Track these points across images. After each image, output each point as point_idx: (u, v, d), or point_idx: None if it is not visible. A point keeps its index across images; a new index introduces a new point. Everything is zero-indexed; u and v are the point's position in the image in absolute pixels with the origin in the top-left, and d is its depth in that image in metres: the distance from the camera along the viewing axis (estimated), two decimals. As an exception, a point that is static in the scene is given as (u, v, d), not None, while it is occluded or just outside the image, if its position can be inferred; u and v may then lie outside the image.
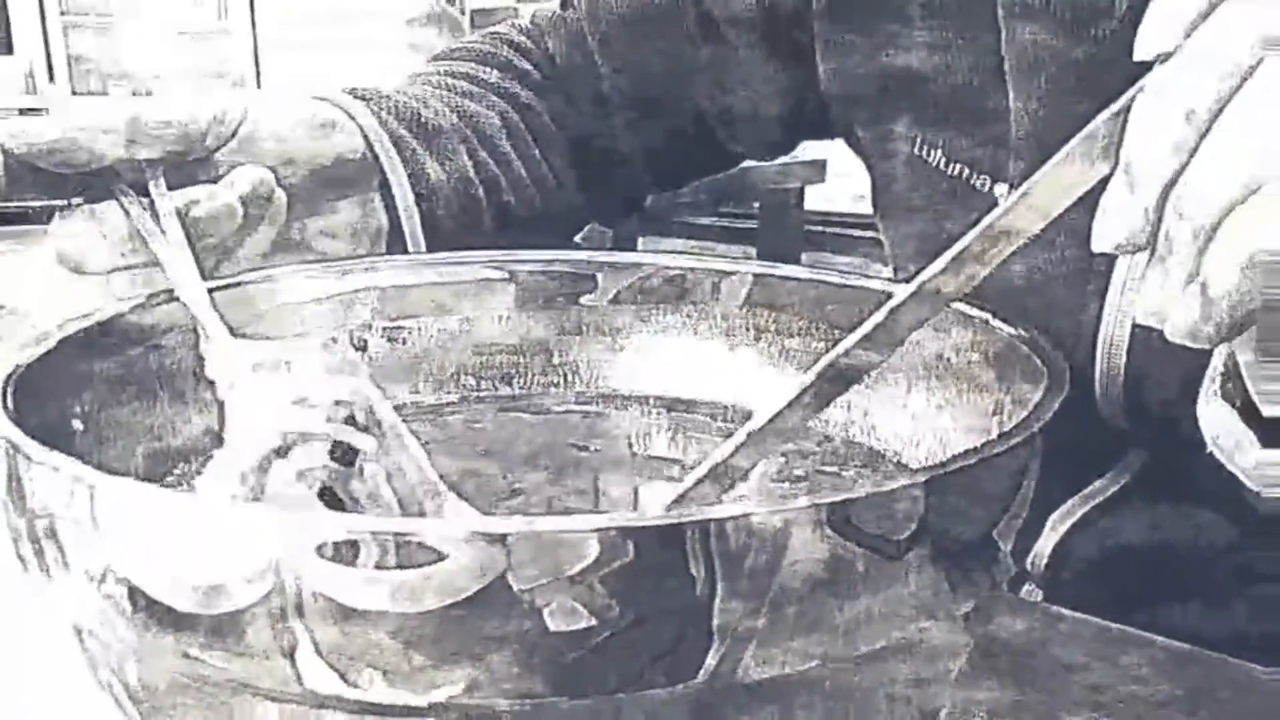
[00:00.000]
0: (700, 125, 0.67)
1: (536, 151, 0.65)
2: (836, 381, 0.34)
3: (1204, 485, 0.46)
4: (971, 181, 0.54)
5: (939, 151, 0.56)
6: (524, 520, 0.25)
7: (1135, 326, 0.49)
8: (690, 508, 0.33)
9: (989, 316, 0.39)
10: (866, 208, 0.64)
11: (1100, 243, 0.31)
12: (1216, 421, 0.31)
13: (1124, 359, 0.49)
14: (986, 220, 0.32)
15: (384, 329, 0.48)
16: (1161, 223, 0.30)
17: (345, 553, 0.26)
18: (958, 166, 0.55)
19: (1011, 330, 0.38)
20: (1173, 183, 0.30)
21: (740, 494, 0.35)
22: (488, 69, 0.66)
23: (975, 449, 0.29)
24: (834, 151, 0.76)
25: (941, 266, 0.33)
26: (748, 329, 0.47)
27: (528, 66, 0.67)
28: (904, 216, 0.59)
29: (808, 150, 2.16)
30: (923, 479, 0.27)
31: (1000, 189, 0.53)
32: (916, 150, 0.57)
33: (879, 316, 0.34)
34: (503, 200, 0.62)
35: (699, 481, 0.35)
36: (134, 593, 0.29)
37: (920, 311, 0.33)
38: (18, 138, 0.46)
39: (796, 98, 0.64)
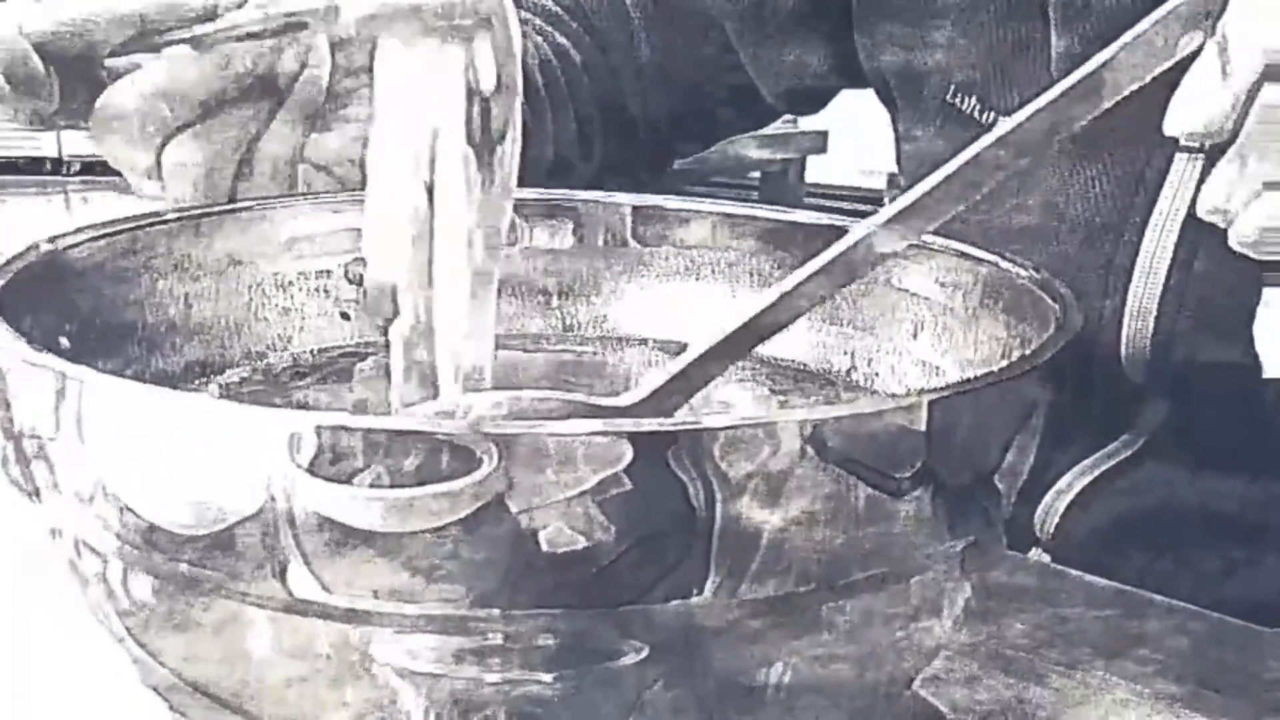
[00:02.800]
0: (737, 79, 0.65)
1: (569, 105, 0.63)
2: (842, 269, 0.33)
3: (1222, 447, 0.45)
4: None
5: (973, 98, 0.54)
6: (522, 422, 0.25)
7: (1160, 310, 0.49)
8: (687, 417, 0.32)
9: (998, 259, 0.39)
10: (871, 182, 0.63)
11: (1176, 125, 0.29)
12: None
13: (1151, 331, 0.49)
14: (1047, 96, 0.30)
15: (380, 263, 0.47)
16: (1248, 116, 0.28)
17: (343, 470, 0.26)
18: (992, 115, 0.54)
19: (1023, 271, 0.38)
20: (1269, 75, 0.27)
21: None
22: (525, 12, 0.64)
23: (975, 378, 0.29)
24: (836, 123, 0.75)
25: (1010, 128, 0.30)
26: (752, 274, 0.46)
27: (561, 13, 0.66)
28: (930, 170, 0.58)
29: (809, 119, 2.16)
30: (924, 400, 0.27)
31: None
32: (950, 97, 0.56)
33: (923, 188, 0.32)
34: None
35: (655, 391, 0.33)
36: (124, 510, 0.28)
37: (970, 182, 0.31)
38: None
39: (837, 51, 0.63)
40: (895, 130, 0.62)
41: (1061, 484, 0.53)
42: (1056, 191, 0.52)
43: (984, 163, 0.31)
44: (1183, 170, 0.49)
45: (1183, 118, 0.29)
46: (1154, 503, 0.52)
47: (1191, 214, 0.50)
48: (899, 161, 0.62)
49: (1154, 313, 0.50)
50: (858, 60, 0.62)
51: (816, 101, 0.70)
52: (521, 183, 0.49)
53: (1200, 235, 0.50)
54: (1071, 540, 0.53)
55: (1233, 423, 0.47)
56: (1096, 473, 0.53)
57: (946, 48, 0.56)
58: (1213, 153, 0.48)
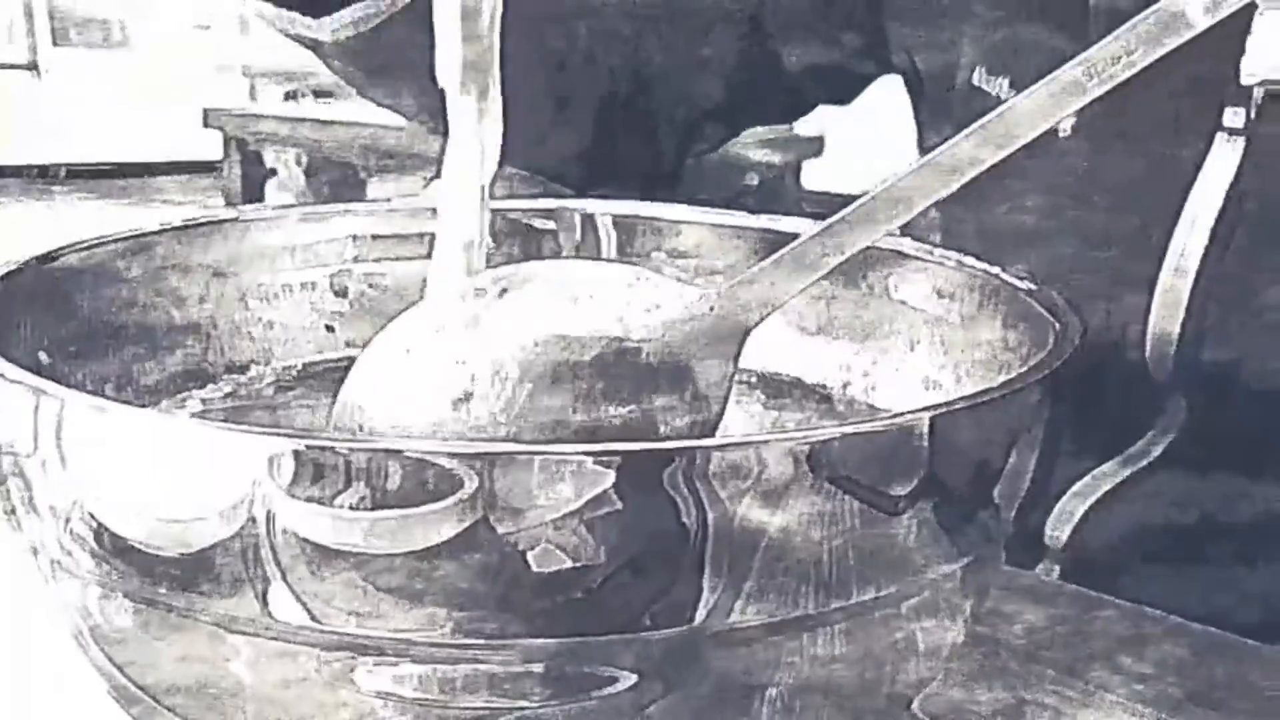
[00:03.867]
0: (768, 58, 0.63)
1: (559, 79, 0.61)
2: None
3: (1248, 449, 0.44)
4: None
5: (1003, 81, 0.53)
6: (506, 444, 0.24)
7: (1191, 301, 0.48)
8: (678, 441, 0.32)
9: (996, 270, 0.38)
10: (867, 187, 0.62)
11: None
12: None
13: (1179, 326, 0.48)
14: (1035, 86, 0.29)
15: (365, 274, 0.47)
16: None
17: (325, 491, 0.25)
18: None
19: (1021, 283, 0.37)
20: None
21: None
22: None
23: (973, 394, 0.28)
24: (833, 128, 0.73)
25: (992, 118, 0.30)
26: (744, 283, 0.46)
27: None
28: None
29: (804, 124, 2.16)
30: (922, 418, 0.26)
31: (1066, 122, 0.51)
32: (977, 80, 0.54)
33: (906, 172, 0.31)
34: None
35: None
36: (101, 531, 0.28)
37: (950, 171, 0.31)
38: None
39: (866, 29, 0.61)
40: (919, 130, 0.60)
41: (1074, 491, 0.52)
42: (1080, 184, 0.50)
43: (964, 153, 0.31)
44: (1223, 155, 0.48)
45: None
46: (1172, 510, 0.51)
47: (1228, 203, 0.48)
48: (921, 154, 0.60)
49: (1183, 304, 0.49)
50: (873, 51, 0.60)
51: (845, 88, 0.66)
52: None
53: (1236, 220, 0.48)
54: (1086, 550, 0.52)
55: (1262, 423, 0.46)
56: (1112, 481, 0.52)
57: (973, 39, 0.54)
58: (1252, 132, 0.47)
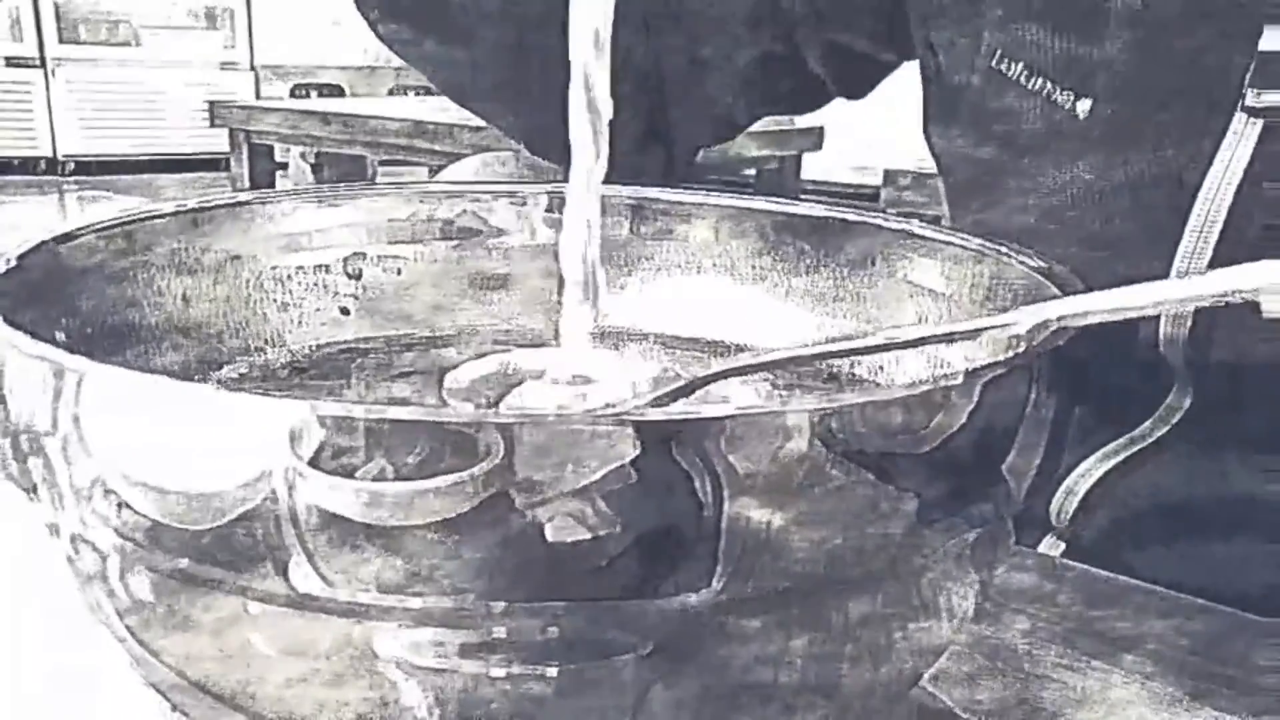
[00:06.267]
0: (787, 46, 0.62)
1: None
2: None
3: (1248, 432, 0.44)
4: (1053, 98, 0.51)
5: (1020, 65, 0.52)
6: (525, 412, 0.24)
7: (1197, 314, 0.47)
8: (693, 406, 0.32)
9: (1003, 251, 0.38)
10: (866, 179, 0.61)
11: None
12: None
13: (1192, 311, 0.48)
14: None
15: (379, 258, 0.47)
16: None
17: (346, 464, 0.25)
18: (1040, 80, 0.51)
19: (1030, 262, 0.37)
20: None
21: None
22: None
23: (983, 367, 0.28)
24: (832, 120, 0.73)
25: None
26: (753, 267, 0.46)
27: None
28: (968, 141, 0.55)
29: (804, 116, 2.16)
30: (933, 390, 0.27)
31: (1084, 106, 0.50)
32: (995, 62, 0.53)
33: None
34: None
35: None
36: (122, 505, 0.28)
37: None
38: None
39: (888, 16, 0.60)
40: (925, 121, 0.60)
41: (1081, 470, 0.52)
42: (1085, 186, 0.50)
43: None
44: (1240, 133, 0.47)
45: None
46: (1176, 489, 0.51)
47: (1244, 182, 0.47)
48: (929, 136, 0.59)
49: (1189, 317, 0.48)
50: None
51: (864, 79, 0.65)
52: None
53: (1253, 204, 0.47)
54: (1090, 526, 0.52)
55: (1267, 406, 0.46)
56: (1117, 459, 0.52)
57: (992, 25, 0.54)
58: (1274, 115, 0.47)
